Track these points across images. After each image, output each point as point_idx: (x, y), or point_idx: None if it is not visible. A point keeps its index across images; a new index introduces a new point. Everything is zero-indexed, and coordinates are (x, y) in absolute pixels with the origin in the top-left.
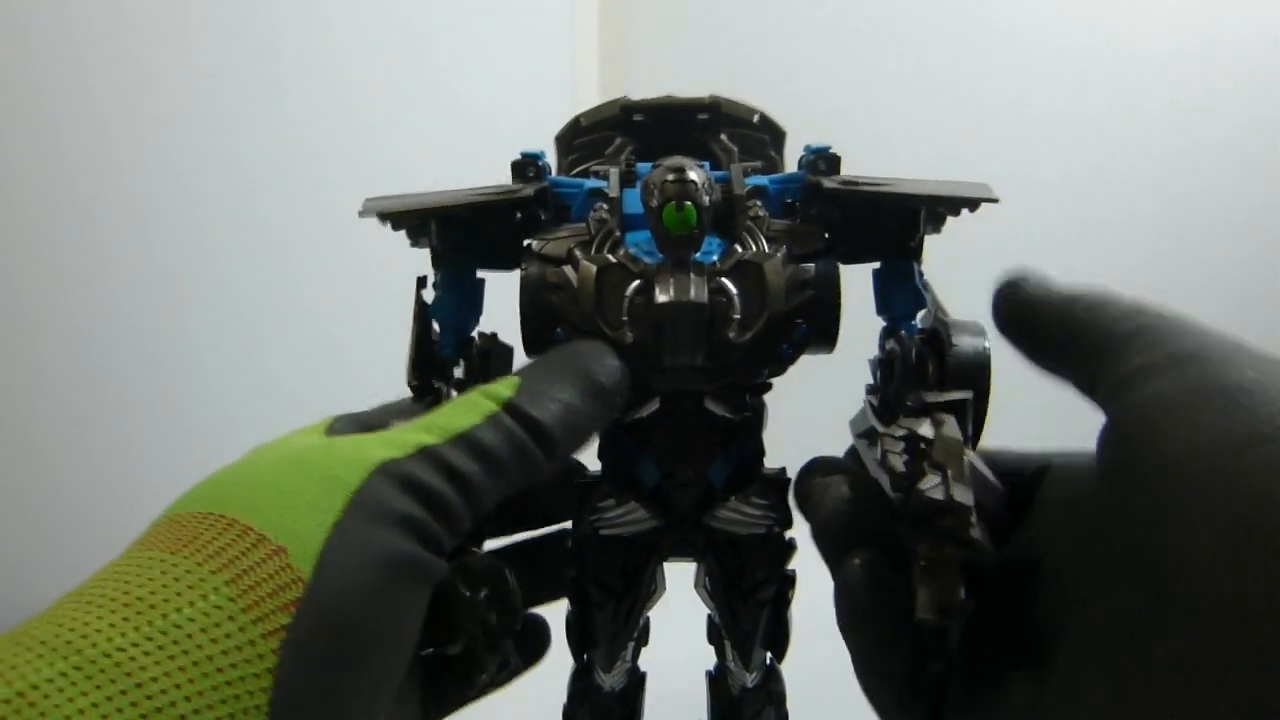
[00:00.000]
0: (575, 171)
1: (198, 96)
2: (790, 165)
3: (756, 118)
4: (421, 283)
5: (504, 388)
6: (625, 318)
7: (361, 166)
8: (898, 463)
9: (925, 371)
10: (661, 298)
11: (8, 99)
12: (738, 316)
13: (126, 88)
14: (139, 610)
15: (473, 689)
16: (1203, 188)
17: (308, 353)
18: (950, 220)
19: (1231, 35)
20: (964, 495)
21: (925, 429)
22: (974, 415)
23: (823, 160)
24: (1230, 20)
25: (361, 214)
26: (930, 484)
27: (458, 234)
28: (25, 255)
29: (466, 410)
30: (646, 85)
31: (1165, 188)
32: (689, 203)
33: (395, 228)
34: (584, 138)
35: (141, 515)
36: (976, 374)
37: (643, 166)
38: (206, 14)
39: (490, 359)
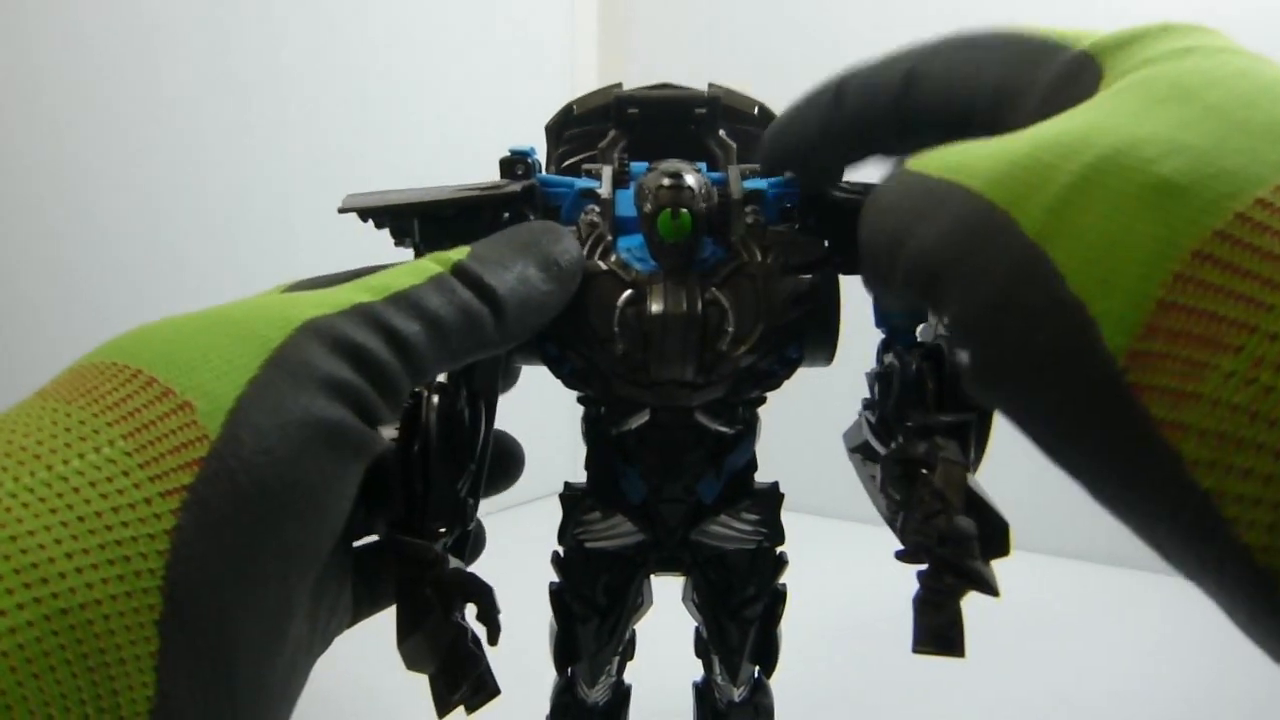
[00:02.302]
0: (566, 165)
1: (199, 84)
2: None
3: (756, 110)
4: None
5: (455, 253)
6: (616, 328)
7: (360, 159)
8: (897, 490)
9: (925, 390)
10: (654, 308)
11: (8, 98)
12: (731, 329)
13: (125, 84)
14: (21, 460)
15: (448, 709)
16: None
17: None
18: None
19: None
20: (965, 525)
21: (925, 454)
22: (977, 437)
23: None
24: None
25: (341, 210)
26: (929, 513)
27: (442, 233)
28: (25, 255)
29: (411, 271)
30: (646, 68)
31: None
32: (684, 210)
33: (377, 225)
34: (576, 129)
35: None
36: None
37: (637, 166)
38: (209, 12)
39: (475, 361)
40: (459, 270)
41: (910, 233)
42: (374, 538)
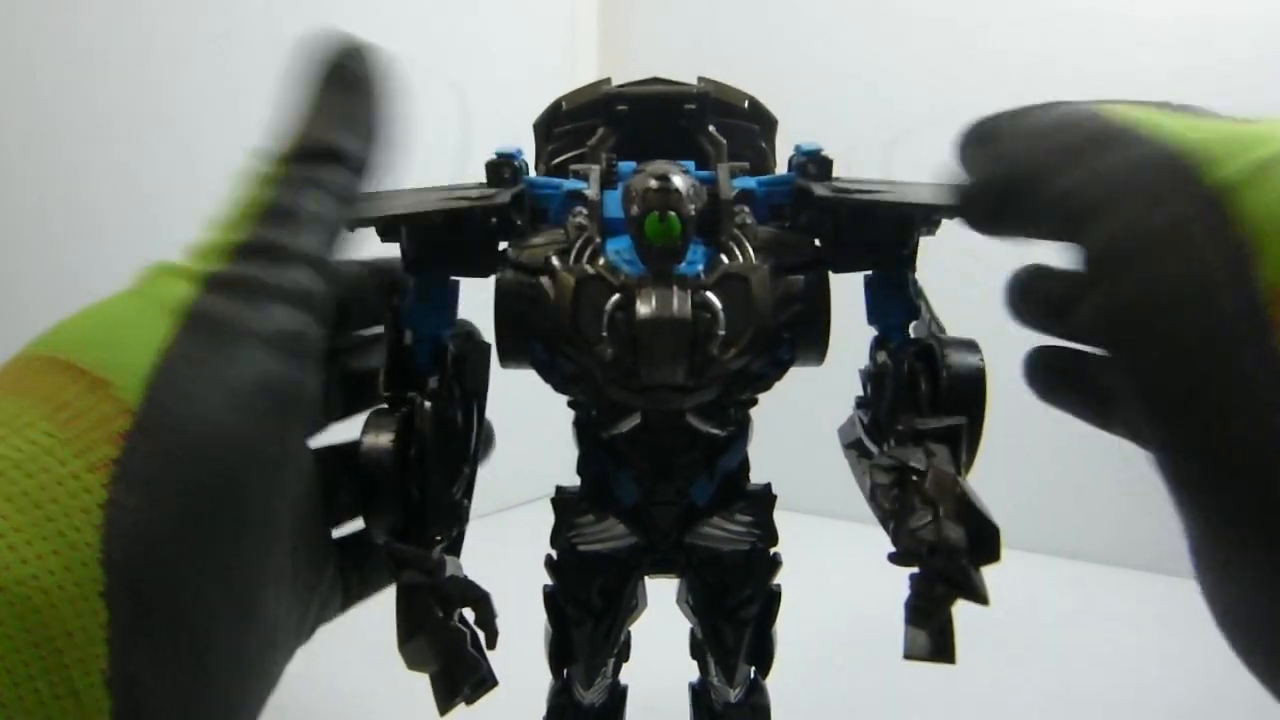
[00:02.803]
0: (555, 164)
1: (196, 86)
2: (781, 156)
3: (746, 104)
4: (393, 288)
5: (285, 141)
6: (605, 332)
7: None
8: (887, 496)
9: (917, 391)
10: (643, 312)
11: (7, 95)
12: (722, 332)
13: (123, 84)
14: None
15: (450, 708)
16: None
17: None
18: (946, 222)
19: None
20: (956, 534)
21: (916, 460)
22: (968, 439)
23: (814, 164)
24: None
25: None
26: (920, 521)
27: (429, 240)
28: (26, 253)
29: (258, 183)
30: (646, 69)
31: None
32: (672, 213)
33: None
34: (565, 125)
35: None
36: (971, 395)
37: (625, 166)
38: (208, 7)
39: (465, 363)
40: (300, 155)
41: (1067, 165)
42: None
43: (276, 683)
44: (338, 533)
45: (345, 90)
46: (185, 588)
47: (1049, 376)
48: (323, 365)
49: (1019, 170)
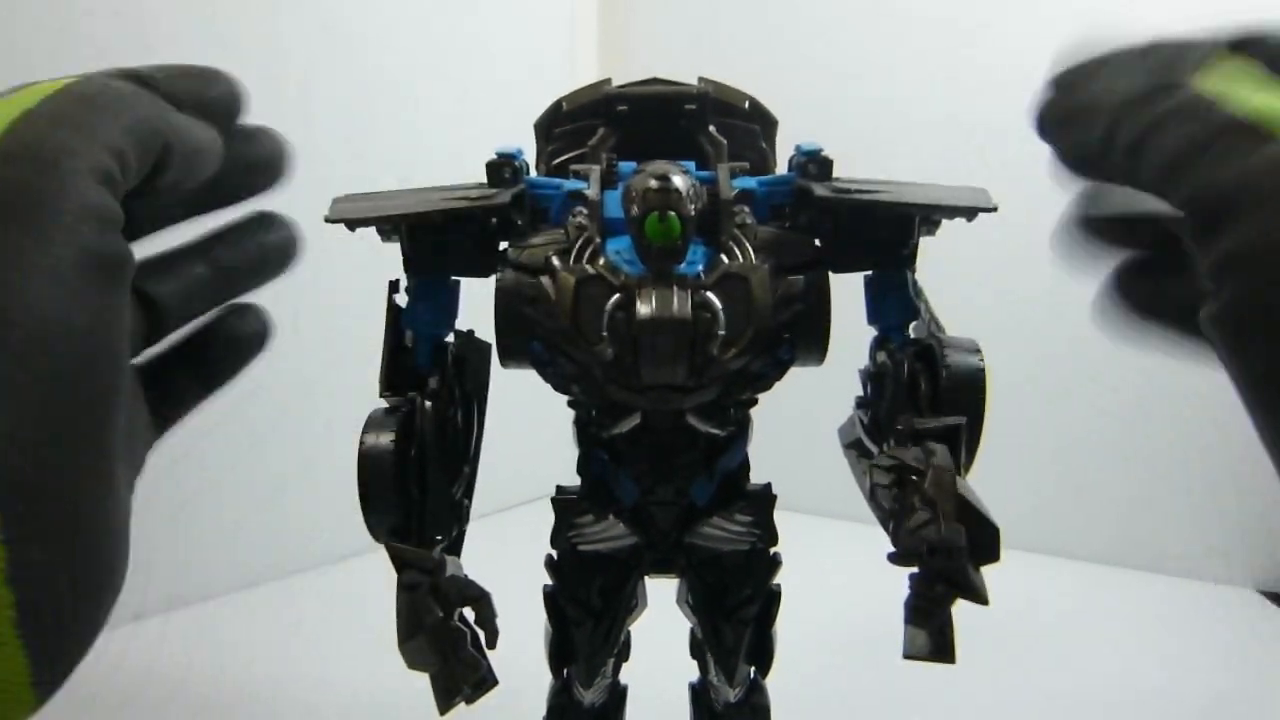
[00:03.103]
0: (555, 164)
1: None
2: (782, 156)
3: (747, 104)
4: (394, 287)
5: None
6: (605, 332)
7: (358, 159)
8: (886, 496)
9: (917, 391)
10: (643, 312)
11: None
12: (722, 332)
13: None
14: None
15: (450, 707)
16: None
17: (306, 349)
18: (945, 222)
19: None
20: (955, 534)
21: (915, 459)
22: (968, 439)
23: (814, 164)
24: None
25: (328, 219)
26: (920, 521)
27: (430, 240)
28: None
29: (66, 78)
30: (646, 69)
31: None
32: (672, 213)
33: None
34: (565, 126)
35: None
36: (971, 395)
37: (625, 166)
38: (208, 8)
39: (466, 364)
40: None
41: (1196, 162)
42: (156, 350)
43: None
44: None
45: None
46: (60, 474)
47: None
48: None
49: (1149, 153)
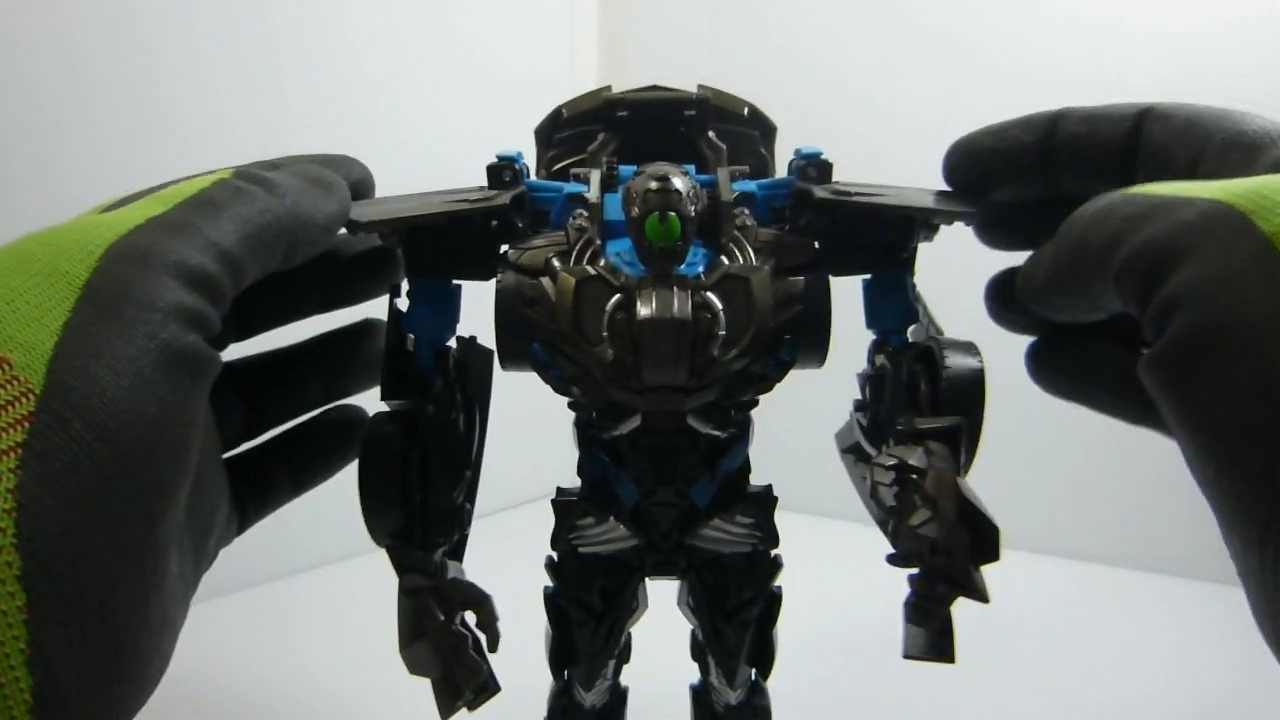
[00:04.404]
0: (556, 169)
1: (197, 88)
2: (781, 161)
3: (746, 110)
4: (395, 290)
5: (225, 170)
6: (605, 333)
7: (357, 154)
8: (887, 495)
9: (917, 393)
10: (643, 313)
11: (7, 96)
12: (723, 333)
13: (128, 83)
14: None
15: (452, 712)
16: None
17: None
18: (944, 227)
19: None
20: (955, 533)
21: (916, 459)
22: (968, 439)
23: (813, 167)
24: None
25: None
26: (920, 520)
27: (430, 243)
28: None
29: (203, 178)
30: (646, 70)
31: None
32: (672, 214)
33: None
34: (565, 132)
35: None
36: (970, 396)
37: (625, 169)
38: (207, 8)
39: (468, 368)
40: (240, 173)
41: (1136, 230)
42: (254, 444)
43: (182, 623)
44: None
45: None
46: (97, 564)
47: (1064, 370)
48: (223, 341)
49: (1086, 245)
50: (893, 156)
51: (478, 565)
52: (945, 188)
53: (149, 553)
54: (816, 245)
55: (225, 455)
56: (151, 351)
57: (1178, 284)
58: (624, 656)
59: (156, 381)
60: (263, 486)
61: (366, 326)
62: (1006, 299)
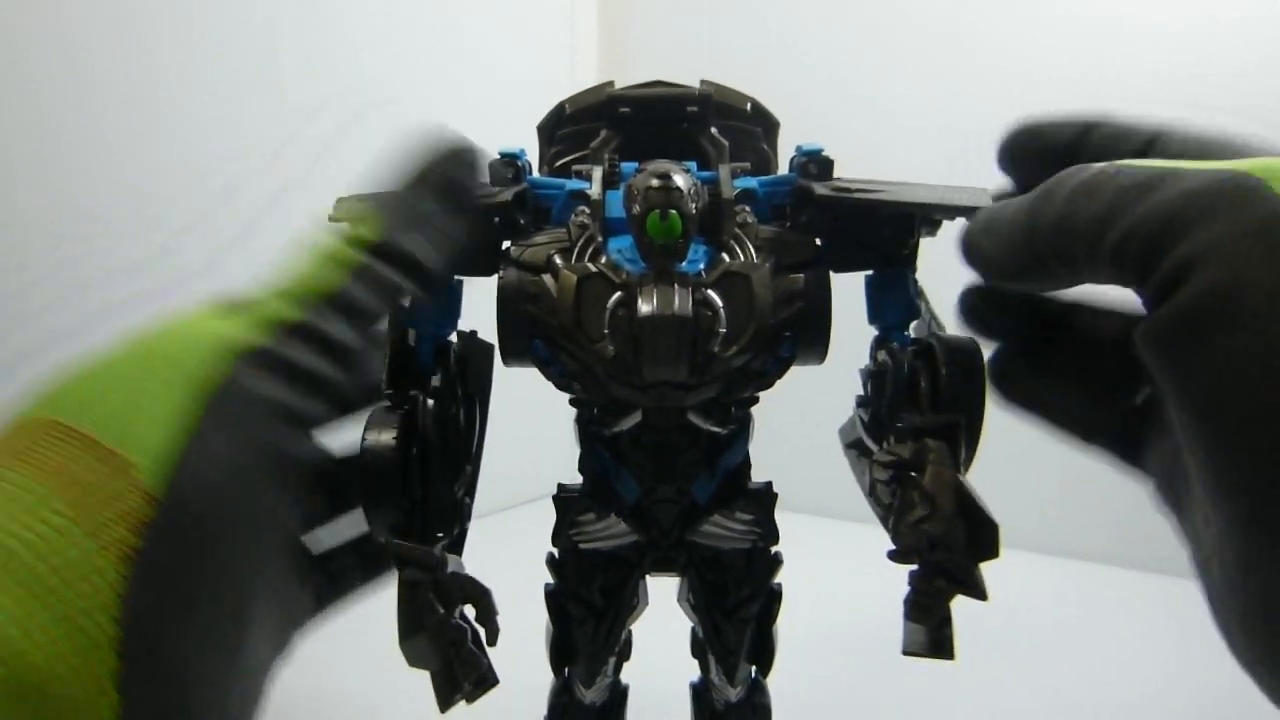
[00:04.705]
0: (558, 165)
1: (198, 91)
2: (783, 157)
3: (749, 106)
4: None
5: (364, 228)
6: (606, 330)
7: (358, 159)
8: (886, 493)
9: (917, 389)
10: (644, 310)
11: (8, 99)
12: (723, 330)
13: (128, 84)
14: None
15: (450, 705)
16: None
17: None
18: (946, 223)
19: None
20: (955, 529)
21: (915, 456)
22: (968, 437)
23: (814, 164)
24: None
25: (333, 219)
26: (919, 516)
27: None
28: (26, 252)
29: (329, 264)
30: (646, 69)
31: None
32: (674, 211)
33: None
34: (568, 128)
35: None
36: (971, 393)
37: (627, 166)
38: (207, 8)
39: (468, 363)
40: (378, 250)
41: (1138, 200)
42: (331, 529)
43: (263, 702)
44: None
45: (433, 194)
46: (189, 661)
47: (1031, 382)
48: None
49: (1078, 214)
50: (895, 149)
51: (479, 564)
52: (947, 183)
53: (236, 640)
54: (818, 242)
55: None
56: (264, 456)
57: (1194, 244)
58: (624, 654)
59: (266, 483)
60: (340, 577)
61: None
62: (979, 314)
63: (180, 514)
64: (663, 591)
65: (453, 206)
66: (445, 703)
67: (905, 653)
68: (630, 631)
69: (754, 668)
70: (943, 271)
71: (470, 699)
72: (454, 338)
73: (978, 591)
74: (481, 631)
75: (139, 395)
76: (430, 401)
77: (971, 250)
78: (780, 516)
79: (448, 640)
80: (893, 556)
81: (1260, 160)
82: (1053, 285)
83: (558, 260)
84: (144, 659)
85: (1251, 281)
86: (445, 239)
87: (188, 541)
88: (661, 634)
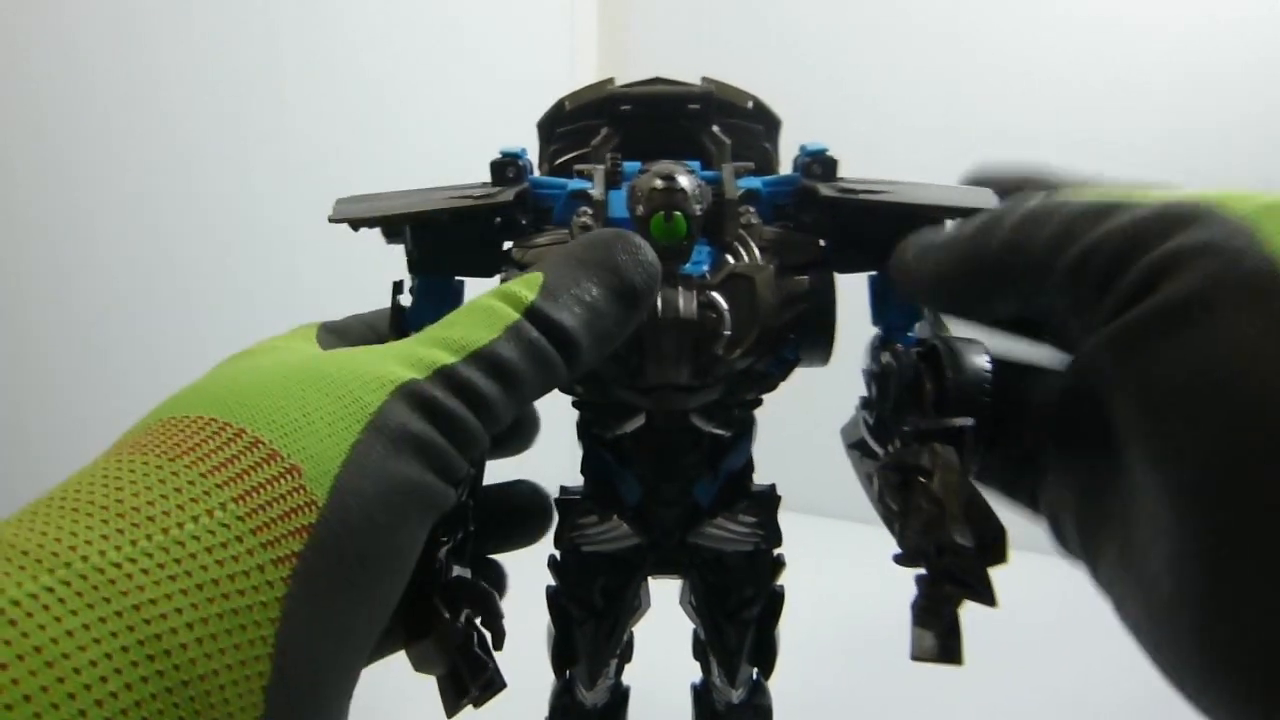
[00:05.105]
0: (558, 163)
1: (198, 91)
2: (785, 155)
3: (750, 104)
4: (398, 287)
5: (525, 288)
6: None
7: (359, 159)
8: (893, 497)
9: (923, 392)
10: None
11: (8, 99)
12: (728, 332)
13: (128, 84)
14: (135, 521)
15: (457, 709)
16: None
17: None
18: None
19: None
20: (963, 535)
21: (922, 460)
22: (975, 441)
23: (818, 164)
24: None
25: (332, 219)
26: (926, 521)
27: (434, 239)
28: (26, 255)
29: (486, 319)
30: (646, 68)
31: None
32: (678, 213)
33: (369, 226)
34: (567, 125)
35: None
36: (978, 397)
37: (630, 166)
38: (207, 8)
39: None
40: (533, 314)
41: (1089, 226)
42: None
43: None
44: None
45: (603, 276)
46: (325, 676)
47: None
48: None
49: (1028, 242)
50: (898, 149)
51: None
52: (950, 183)
53: (360, 662)
54: (821, 243)
55: None
56: (415, 488)
57: (1163, 253)
58: (626, 655)
59: (412, 515)
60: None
61: (532, 494)
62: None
63: (341, 525)
64: (664, 593)
65: (618, 298)
66: (452, 707)
67: (914, 658)
68: (632, 633)
69: (755, 669)
70: None
71: (478, 703)
72: None
73: (987, 597)
74: (488, 635)
75: (303, 406)
76: None
77: (904, 272)
78: (781, 517)
79: (454, 644)
80: (899, 560)
81: (1202, 191)
82: (984, 310)
83: None
84: (291, 669)
85: (1229, 281)
86: (603, 324)
87: (345, 556)
88: (663, 636)
